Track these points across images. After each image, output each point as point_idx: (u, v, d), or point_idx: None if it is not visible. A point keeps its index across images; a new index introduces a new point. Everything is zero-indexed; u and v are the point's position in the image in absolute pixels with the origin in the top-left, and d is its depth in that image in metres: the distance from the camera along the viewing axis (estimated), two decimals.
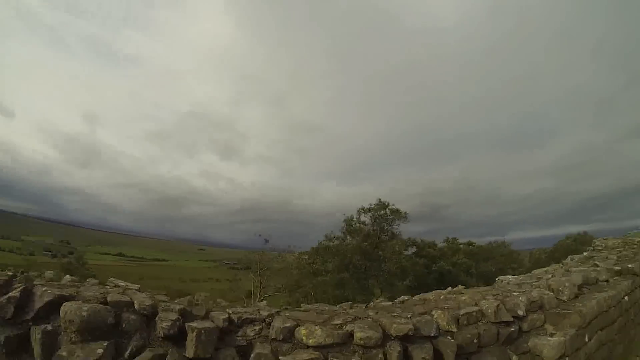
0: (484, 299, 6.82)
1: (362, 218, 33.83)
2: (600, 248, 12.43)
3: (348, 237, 33.01)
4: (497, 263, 42.70)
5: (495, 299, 6.79)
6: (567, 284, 7.58)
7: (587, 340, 7.02)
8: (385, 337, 4.99)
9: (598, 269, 9.29)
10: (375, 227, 33.48)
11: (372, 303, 7.22)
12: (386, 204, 33.54)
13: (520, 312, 6.55)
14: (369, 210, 33.45)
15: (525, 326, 6.62)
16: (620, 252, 11.24)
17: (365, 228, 33.14)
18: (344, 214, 34.08)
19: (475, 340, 5.93)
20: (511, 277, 8.76)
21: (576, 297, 7.78)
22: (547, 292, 7.28)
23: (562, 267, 9.73)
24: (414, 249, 38.66)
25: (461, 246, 44.67)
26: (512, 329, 6.37)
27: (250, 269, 31.93)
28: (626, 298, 9.05)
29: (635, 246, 11.99)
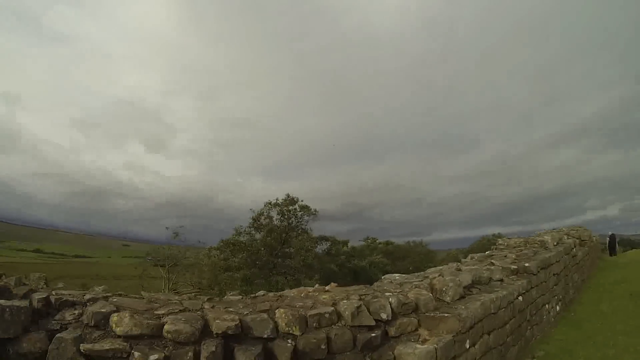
0: (347, 298, 5.78)
1: (271, 213, 32.62)
2: (502, 247, 12.14)
3: (257, 232, 31.89)
4: (414, 262, 43.45)
5: (360, 299, 5.78)
6: (451, 284, 6.76)
7: (468, 346, 6.17)
8: (207, 333, 4.48)
9: (492, 267, 8.70)
10: (283, 223, 32.48)
11: (226, 297, 6.28)
12: (295, 199, 32.54)
13: (383, 315, 5.56)
14: (277, 205, 32.43)
15: (392, 331, 5.63)
16: (521, 251, 10.90)
17: (271, 223, 32.07)
18: (251, 209, 32.87)
19: (323, 346, 4.93)
20: (397, 276, 7.89)
21: (462, 298, 6.99)
22: (426, 292, 6.38)
23: (457, 266, 9.05)
24: (326, 246, 37.74)
25: (380, 245, 45.11)
26: (374, 335, 5.35)
27: (161, 264, 30.38)
28: (520, 298, 8.49)
29: (536, 245, 11.77)
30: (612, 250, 26.63)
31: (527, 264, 9.32)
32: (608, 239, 27.73)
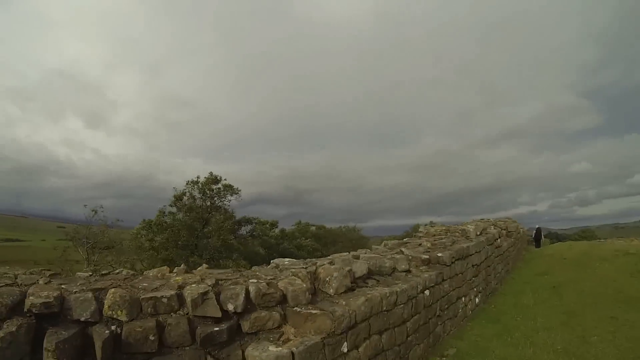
0: (202, 282, 4.54)
1: (194, 192, 31.01)
2: (421, 234, 11.34)
3: (180, 212, 30.33)
4: (345, 247, 42.99)
5: (214, 284, 4.58)
6: (335, 274, 5.63)
7: (346, 349, 5.06)
8: (20, 311, 3.82)
9: (398, 257, 7.70)
10: (205, 202, 30.95)
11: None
12: (218, 178, 30.95)
13: (231, 306, 4.37)
14: (198, 183, 30.71)
15: (247, 326, 4.44)
16: (439, 240, 10.11)
17: (192, 203, 30.54)
18: (174, 188, 30.98)
19: (152, 337, 3.91)
20: (287, 261, 6.70)
21: (351, 290, 5.90)
22: (300, 282, 5.20)
23: (356, 253, 7.99)
24: (249, 228, 36.39)
25: (313, 229, 44.37)
26: (217, 329, 4.17)
27: (80, 244, 27.96)
28: (427, 292, 7.58)
29: (457, 234, 11.07)
30: (537, 243, 27.58)
31: (440, 254, 8.46)
32: (534, 232, 28.66)
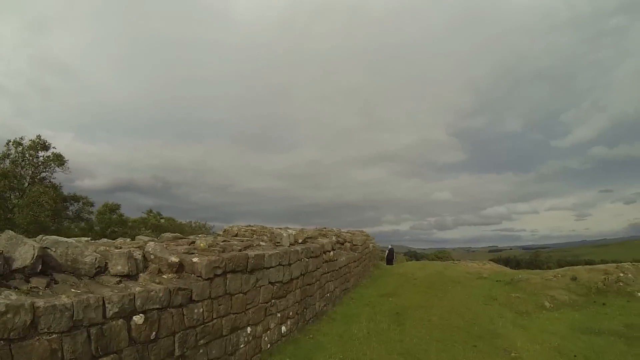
0: None
1: (13, 155, 25.11)
2: (219, 233, 8.30)
3: None
4: None
5: None
6: None
7: None
8: None
9: (116, 251, 4.32)
10: (25, 170, 25.34)
11: None
12: (47, 144, 25.61)
13: None
14: (20, 144, 24.98)
15: None
16: (229, 243, 6.96)
17: (8, 168, 24.30)
18: None
19: None
20: None
21: None
22: None
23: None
24: (77, 207, 30.18)
25: (162, 220, 39.59)
26: None
27: None
28: (138, 319, 4.32)
29: (265, 237, 8.16)
30: (389, 263, 26.45)
31: (195, 259, 5.27)
32: (387, 251, 27.62)
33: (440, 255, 66.12)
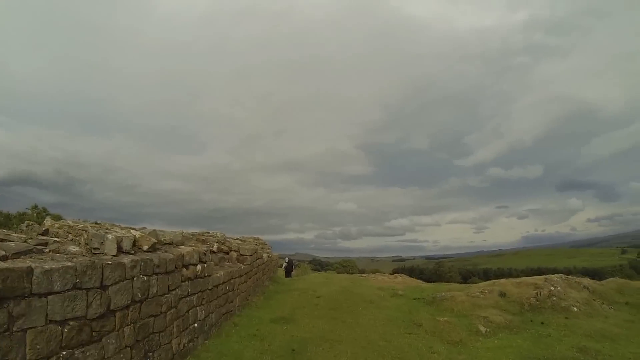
0: None
1: None
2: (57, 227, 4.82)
3: None
4: None
5: None
6: None
7: None
8: None
9: None
10: None
11: None
12: None
13: None
14: None
15: None
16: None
17: None
18: None
19: None
20: None
21: None
22: None
23: None
24: None
25: (47, 218, 33.63)
26: None
27: None
28: None
29: (82, 238, 4.81)
30: (288, 275, 24.60)
31: None
32: (285, 263, 25.71)
33: (346, 264, 65.70)
